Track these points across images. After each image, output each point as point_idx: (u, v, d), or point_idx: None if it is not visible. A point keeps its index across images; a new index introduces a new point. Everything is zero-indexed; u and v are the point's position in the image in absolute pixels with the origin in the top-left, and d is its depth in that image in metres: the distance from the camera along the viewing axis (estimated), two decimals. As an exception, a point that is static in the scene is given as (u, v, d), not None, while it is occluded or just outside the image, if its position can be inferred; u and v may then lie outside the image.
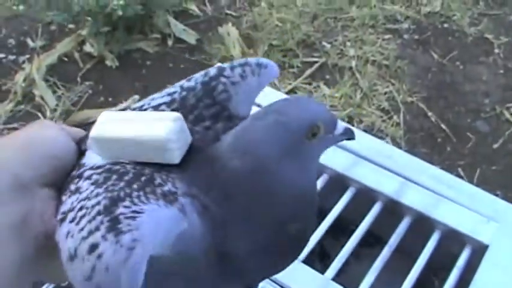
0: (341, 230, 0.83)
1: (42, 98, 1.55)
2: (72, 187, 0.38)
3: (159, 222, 0.33)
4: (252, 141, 0.36)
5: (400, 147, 1.35)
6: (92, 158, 0.39)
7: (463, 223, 0.78)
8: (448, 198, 0.81)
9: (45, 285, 0.75)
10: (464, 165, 1.38)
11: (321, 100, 1.51)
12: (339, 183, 0.85)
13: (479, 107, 1.53)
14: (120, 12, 1.54)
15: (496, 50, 1.70)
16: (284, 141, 0.35)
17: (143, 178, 0.36)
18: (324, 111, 0.38)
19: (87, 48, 1.68)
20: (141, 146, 0.37)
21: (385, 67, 1.64)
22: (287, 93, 1.51)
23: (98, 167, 0.38)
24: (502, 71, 1.63)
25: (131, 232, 0.32)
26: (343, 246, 0.78)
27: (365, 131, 1.35)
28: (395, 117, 1.49)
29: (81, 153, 0.41)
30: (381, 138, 1.38)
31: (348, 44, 1.71)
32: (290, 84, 1.58)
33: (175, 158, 0.37)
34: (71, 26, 1.75)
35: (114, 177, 0.36)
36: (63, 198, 0.38)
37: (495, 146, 1.43)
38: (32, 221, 0.37)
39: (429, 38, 1.74)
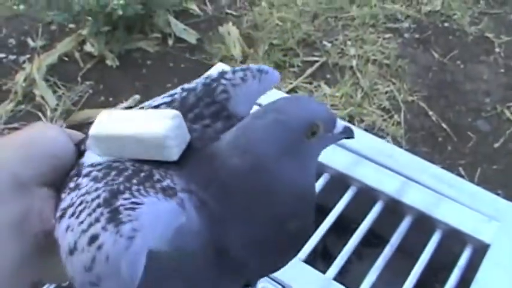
0: (342, 229, 0.83)
1: (42, 97, 1.55)
2: (72, 185, 0.38)
3: (159, 215, 0.33)
4: (252, 140, 0.36)
5: (401, 147, 1.34)
6: (91, 157, 0.40)
7: (464, 222, 0.78)
8: (449, 198, 0.81)
9: (46, 286, 0.74)
10: (465, 165, 1.38)
11: (322, 99, 1.51)
12: (340, 182, 0.85)
13: (480, 106, 1.53)
14: (120, 12, 1.54)
15: (497, 49, 1.70)
16: (283, 139, 0.36)
17: (142, 174, 0.36)
18: (323, 110, 0.38)
19: (88, 47, 1.68)
20: (140, 144, 0.37)
21: (386, 66, 1.64)
22: (288, 92, 1.51)
23: (97, 165, 0.38)
24: (502, 70, 1.63)
25: (131, 222, 0.32)
26: (344, 245, 0.78)
27: (366, 130, 1.35)
28: (396, 116, 1.49)
29: (80, 154, 0.41)
30: (381, 137, 1.38)
31: (349, 43, 1.71)
32: (291, 83, 1.58)
33: (174, 155, 0.37)
34: (72, 25, 1.75)
35: (114, 173, 0.36)
36: (63, 196, 0.38)
37: (496, 145, 1.43)
38: (31, 220, 0.37)
39: (430, 37, 1.74)
